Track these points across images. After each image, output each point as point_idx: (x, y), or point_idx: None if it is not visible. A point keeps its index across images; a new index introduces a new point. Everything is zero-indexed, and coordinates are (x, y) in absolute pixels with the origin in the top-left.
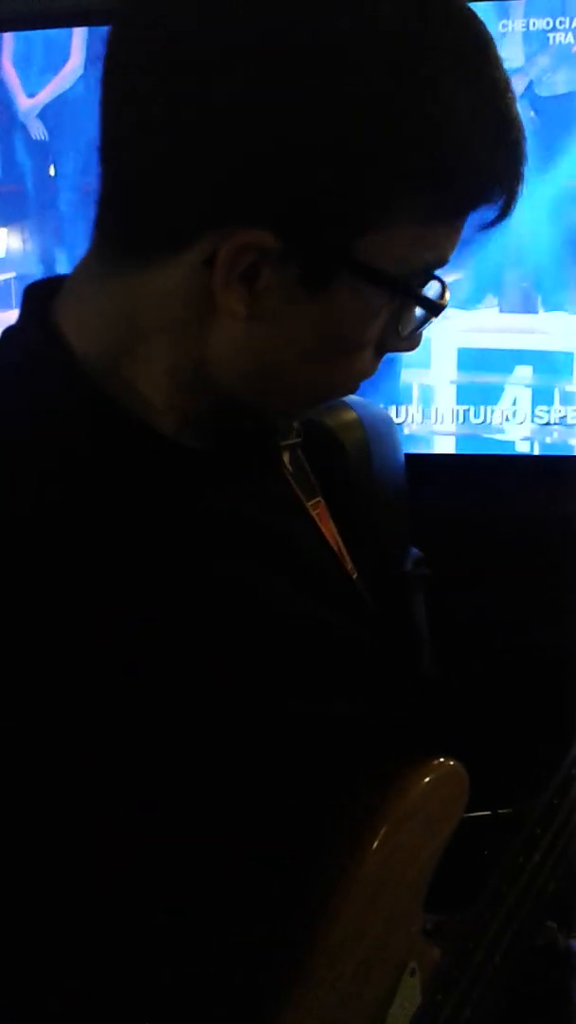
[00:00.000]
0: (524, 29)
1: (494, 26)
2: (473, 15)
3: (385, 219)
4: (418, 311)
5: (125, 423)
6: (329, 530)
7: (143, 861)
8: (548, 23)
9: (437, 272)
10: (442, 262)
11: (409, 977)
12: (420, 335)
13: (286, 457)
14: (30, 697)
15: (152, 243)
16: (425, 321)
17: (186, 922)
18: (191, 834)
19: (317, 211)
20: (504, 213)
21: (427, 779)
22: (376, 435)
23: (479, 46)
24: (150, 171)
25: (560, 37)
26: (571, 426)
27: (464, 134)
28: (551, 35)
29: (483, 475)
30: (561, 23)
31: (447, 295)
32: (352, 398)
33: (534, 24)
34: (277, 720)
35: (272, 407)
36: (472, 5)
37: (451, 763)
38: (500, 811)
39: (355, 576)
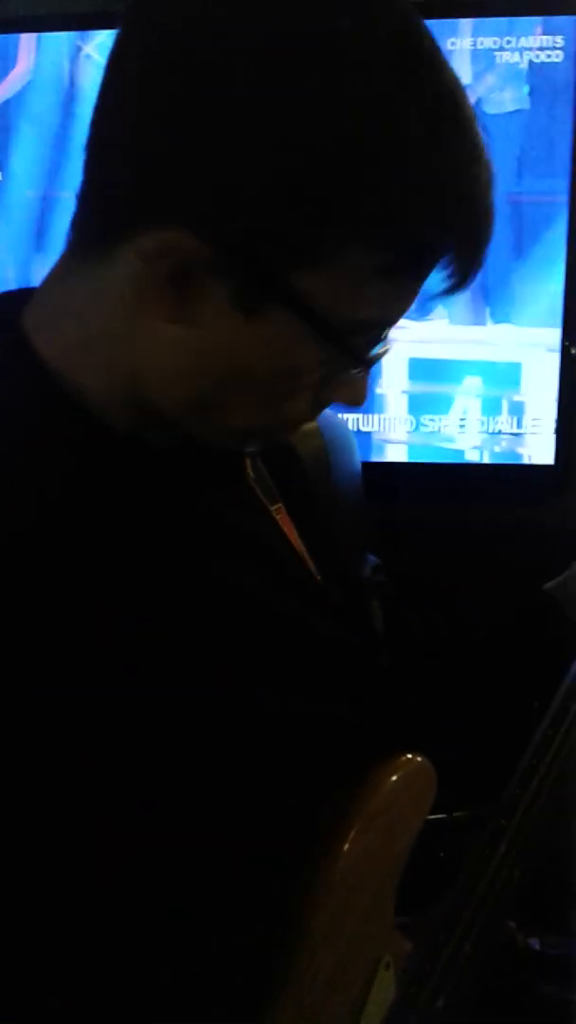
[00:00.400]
0: (472, 48)
1: (443, 43)
2: (456, 85)
3: (330, 260)
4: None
5: (94, 430)
6: (293, 535)
7: (140, 860)
8: (495, 42)
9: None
10: (387, 321)
11: (384, 970)
12: (361, 389)
13: (248, 464)
14: (30, 698)
15: (96, 240)
16: (361, 373)
17: (184, 922)
18: (189, 833)
19: (249, 227)
20: (459, 285)
21: (396, 776)
22: (334, 444)
23: (458, 115)
24: (94, 169)
25: (507, 56)
26: (518, 435)
27: (428, 200)
28: (498, 54)
29: (436, 483)
30: (508, 42)
31: (387, 348)
32: None
33: (481, 43)
34: (274, 718)
35: (206, 434)
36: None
37: (418, 759)
38: (456, 814)
39: (319, 580)
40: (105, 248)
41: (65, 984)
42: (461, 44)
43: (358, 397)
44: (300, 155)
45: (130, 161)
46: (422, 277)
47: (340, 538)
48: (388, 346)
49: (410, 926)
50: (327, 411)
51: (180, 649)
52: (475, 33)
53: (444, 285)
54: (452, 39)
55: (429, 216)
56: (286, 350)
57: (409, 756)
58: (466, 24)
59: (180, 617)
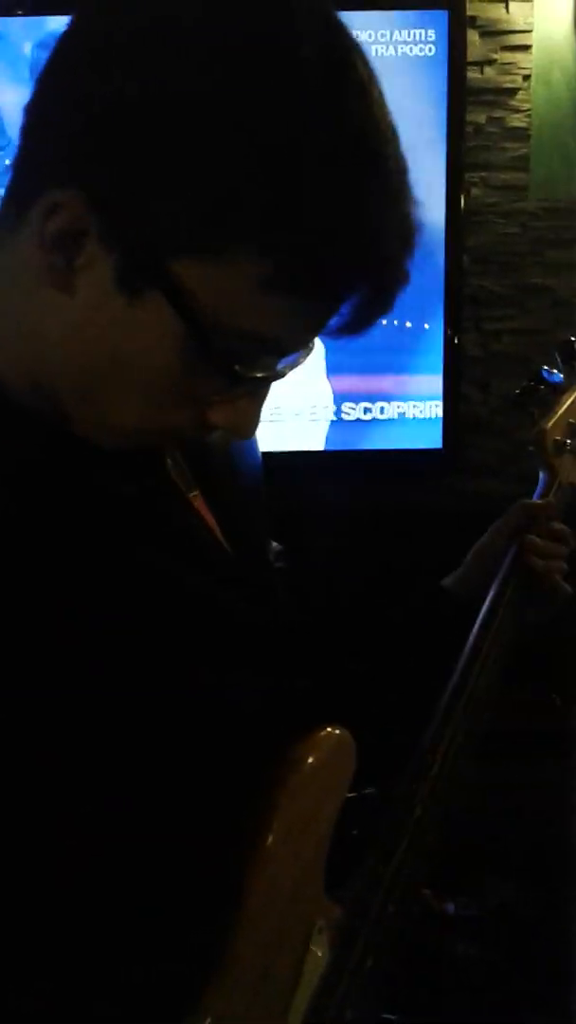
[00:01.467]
0: None
1: None
2: (381, 125)
3: (216, 256)
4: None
5: (9, 409)
6: (211, 520)
7: (70, 842)
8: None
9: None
10: (273, 341)
11: (317, 935)
12: (244, 415)
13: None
14: None
15: (8, 208)
16: (251, 394)
17: (118, 900)
18: (116, 812)
19: (139, 203)
20: (353, 327)
21: (317, 749)
22: None
23: (378, 155)
24: (22, 136)
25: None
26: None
27: (324, 220)
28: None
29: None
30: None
31: (267, 376)
32: None
33: None
34: (192, 696)
35: (89, 429)
36: None
37: (337, 731)
38: (365, 792)
39: (237, 564)
40: (15, 216)
41: None
42: None
43: (239, 422)
44: (204, 142)
45: (45, 129)
46: (315, 304)
47: (249, 524)
48: (272, 372)
49: (340, 890)
50: None
51: (95, 631)
52: None
53: (337, 323)
54: None
55: (322, 237)
56: (159, 344)
57: (329, 728)
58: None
59: (92, 600)
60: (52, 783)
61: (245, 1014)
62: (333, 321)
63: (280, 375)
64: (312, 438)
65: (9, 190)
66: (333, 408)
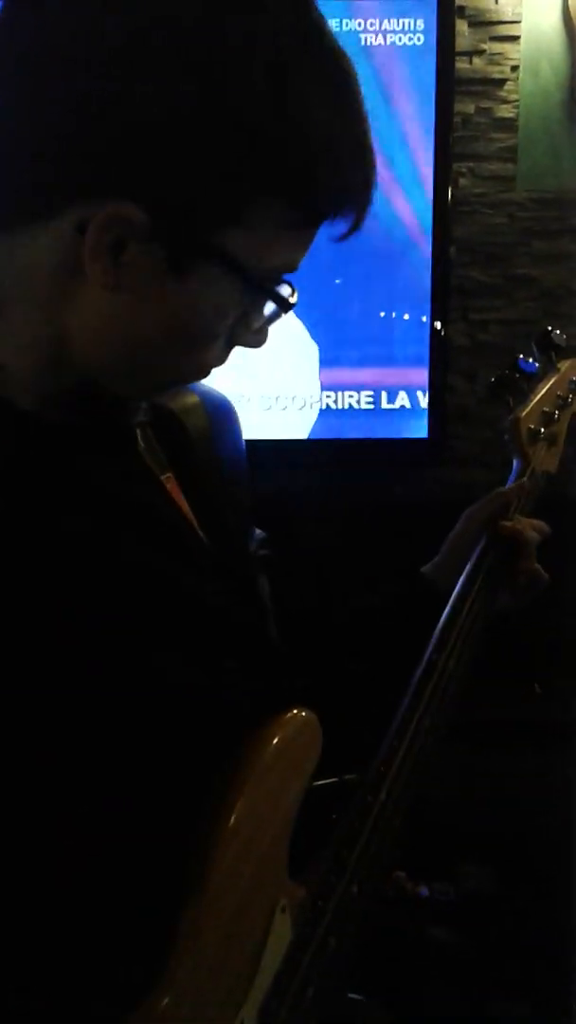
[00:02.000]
0: None
1: None
2: (342, 52)
3: (247, 218)
4: (267, 309)
5: None
6: (182, 503)
7: (32, 820)
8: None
9: (287, 276)
10: (292, 267)
11: (280, 914)
12: (267, 332)
13: (139, 435)
14: None
15: (21, 210)
16: (273, 318)
17: (82, 876)
18: (82, 792)
19: (186, 196)
20: (354, 228)
21: (283, 731)
22: (218, 419)
23: (346, 79)
24: (27, 140)
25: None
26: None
27: (325, 152)
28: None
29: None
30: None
31: (295, 296)
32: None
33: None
34: (158, 679)
35: (130, 389)
36: None
37: (303, 713)
38: (346, 777)
39: (208, 546)
40: (18, 225)
41: None
42: None
43: (261, 340)
44: (227, 124)
45: (41, 142)
46: (323, 221)
47: (225, 510)
48: (294, 290)
49: (303, 870)
50: (212, 388)
51: (63, 614)
52: None
53: (342, 230)
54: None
55: (328, 172)
56: (214, 301)
57: (295, 711)
58: None
59: (34, 577)
60: (18, 765)
61: (205, 991)
62: (335, 232)
63: (295, 291)
64: (299, 427)
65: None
66: (320, 397)
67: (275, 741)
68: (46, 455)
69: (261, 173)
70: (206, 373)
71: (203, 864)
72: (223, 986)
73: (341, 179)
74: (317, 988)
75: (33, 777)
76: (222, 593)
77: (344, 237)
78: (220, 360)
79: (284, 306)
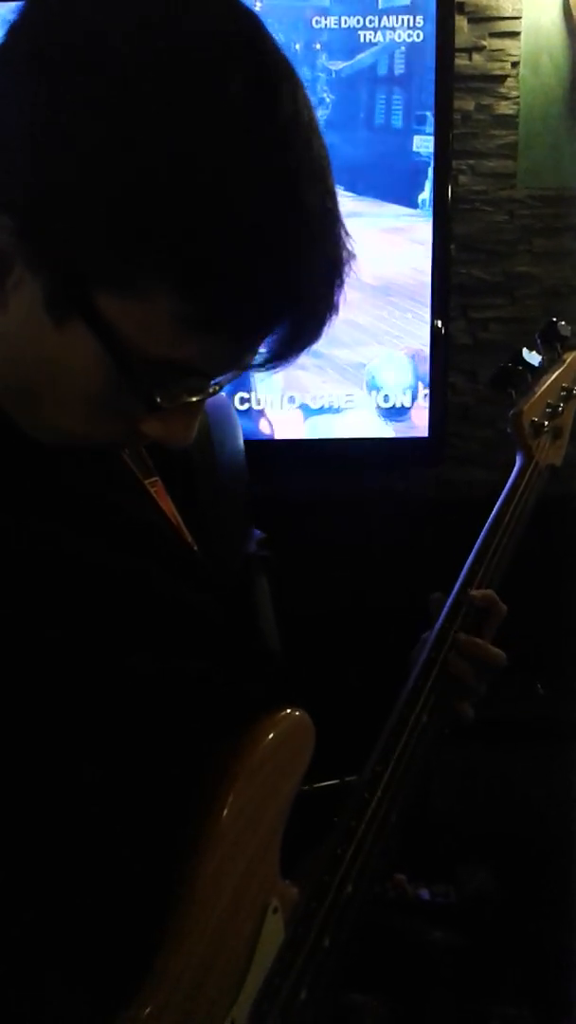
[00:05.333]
0: None
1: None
2: (307, 156)
3: (137, 295)
4: (169, 398)
5: None
6: (168, 506)
7: (22, 820)
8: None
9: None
10: (203, 371)
11: (272, 915)
12: (178, 430)
13: None
14: None
15: None
16: (190, 413)
17: (71, 877)
18: (71, 792)
19: (65, 236)
20: (274, 360)
21: (275, 730)
22: (216, 420)
23: (300, 200)
24: None
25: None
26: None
27: (235, 251)
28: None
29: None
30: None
31: (187, 398)
32: None
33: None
34: (124, 677)
35: (37, 430)
36: None
37: (296, 712)
38: (348, 779)
39: (195, 552)
40: None
41: None
42: None
43: (172, 435)
44: (127, 184)
45: None
46: (242, 340)
47: (222, 512)
48: (199, 395)
49: (296, 870)
50: None
51: (29, 613)
52: None
53: (261, 357)
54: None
55: (239, 281)
56: (85, 367)
57: (287, 711)
58: None
59: (32, 591)
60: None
61: (194, 991)
62: (258, 357)
63: (208, 395)
64: (297, 426)
65: None
66: (318, 396)
67: (265, 741)
68: (19, 459)
69: (150, 244)
70: (114, 443)
71: (191, 864)
72: (212, 986)
73: (252, 286)
74: (311, 989)
75: (10, 781)
76: (201, 594)
77: (263, 366)
78: (127, 439)
79: (148, 405)
